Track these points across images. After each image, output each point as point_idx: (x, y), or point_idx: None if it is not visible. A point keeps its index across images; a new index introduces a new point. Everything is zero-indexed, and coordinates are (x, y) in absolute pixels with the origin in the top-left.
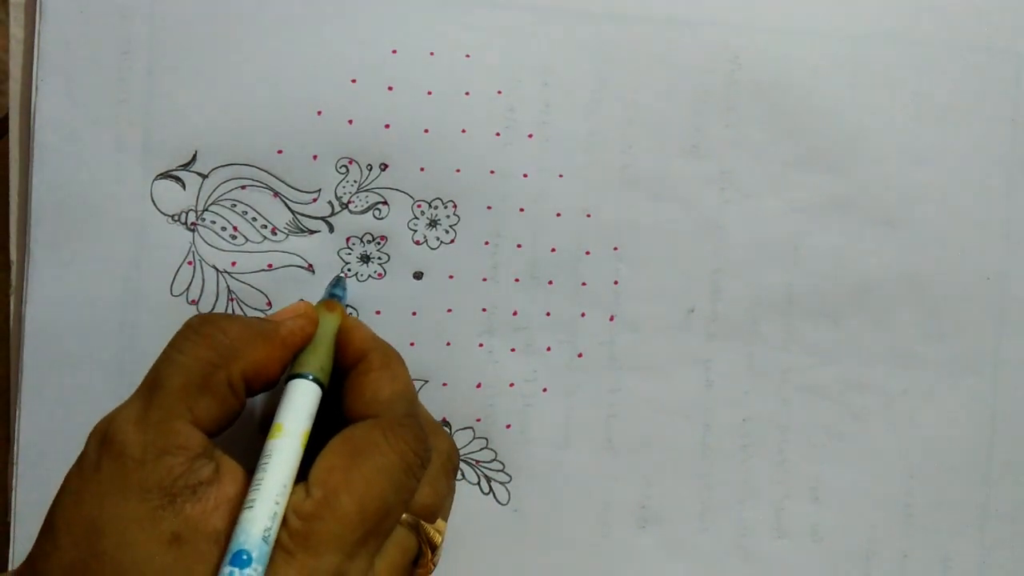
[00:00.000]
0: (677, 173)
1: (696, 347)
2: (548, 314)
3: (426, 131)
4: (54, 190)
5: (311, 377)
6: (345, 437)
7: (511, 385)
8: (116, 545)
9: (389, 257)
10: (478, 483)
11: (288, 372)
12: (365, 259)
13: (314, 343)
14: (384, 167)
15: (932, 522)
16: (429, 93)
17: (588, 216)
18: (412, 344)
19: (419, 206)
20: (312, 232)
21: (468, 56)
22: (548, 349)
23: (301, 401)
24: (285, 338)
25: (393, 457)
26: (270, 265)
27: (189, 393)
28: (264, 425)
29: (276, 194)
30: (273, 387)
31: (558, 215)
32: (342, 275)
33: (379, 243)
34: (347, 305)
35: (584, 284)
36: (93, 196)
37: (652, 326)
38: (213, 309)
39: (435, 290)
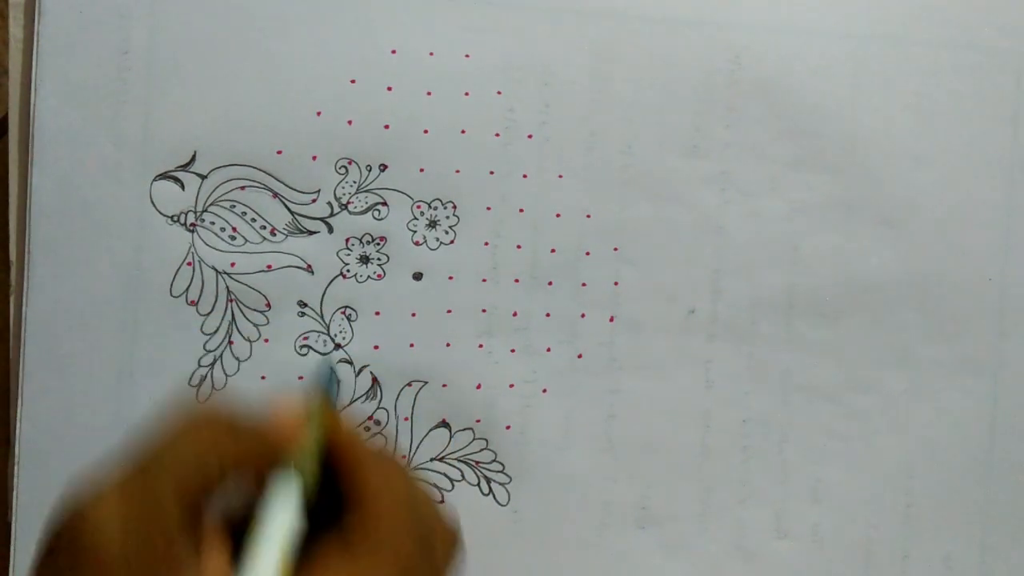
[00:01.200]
0: (677, 173)
1: (696, 347)
2: (548, 315)
3: (426, 131)
4: (53, 190)
5: (295, 482)
6: (340, 544)
7: (511, 386)
8: None
9: (388, 258)
10: (478, 484)
11: (273, 475)
12: (364, 260)
13: (302, 448)
14: (383, 167)
15: (932, 522)
16: (429, 93)
17: (588, 216)
18: (412, 345)
19: (419, 206)
20: (311, 233)
21: (468, 56)
22: (548, 350)
23: (283, 509)
24: (278, 447)
25: (392, 567)
26: (269, 266)
27: (183, 495)
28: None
29: (275, 195)
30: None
31: (558, 215)
32: (333, 367)
33: (378, 244)
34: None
35: (584, 284)
36: (92, 196)
37: (652, 326)
38: (212, 310)
39: (435, 291)
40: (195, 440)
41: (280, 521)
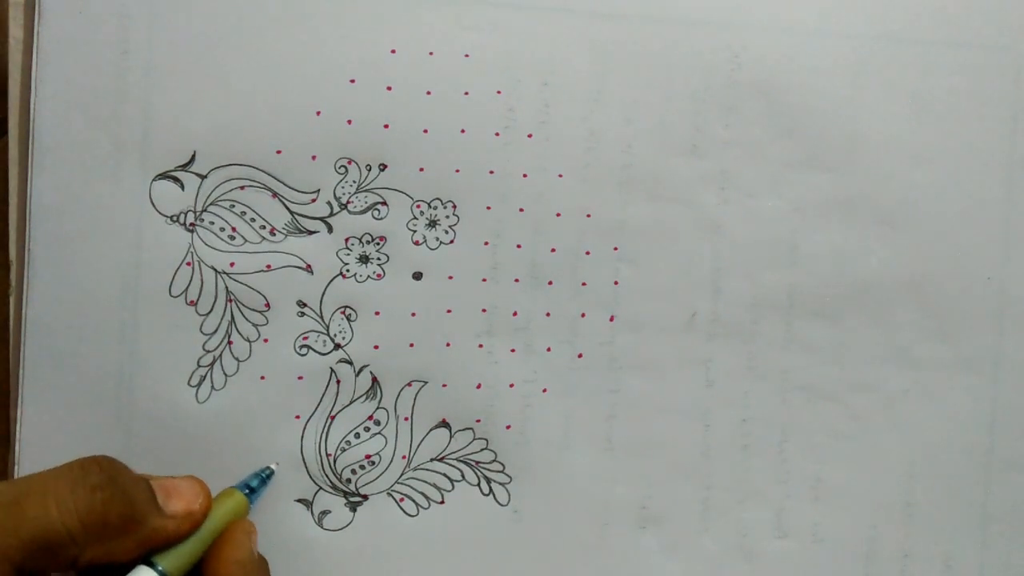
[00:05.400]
0: (677, 173)
1: (696, 347)
2: (548, 314)
3: (425, 131)
4: (53, 190)
5: (159, 569)
6: None
7: (511, 386)
8: None
9: (388, 257)
10: (478, 484)
11: (143, 555)
12: (364, 260)
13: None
14: (383, 167)
15: (932, 522)
16: (428, 93)
17: (588, 216)
18: (412, 344)
19: (418, 206)
20: (311, 233)
21: (468, 56)
22: (548, 349)
23: None
24: (147, 537)
25: None
26: (269, 266)
27: (27, 553)
28: None
29: (275, 194)
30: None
31: (558, 215)
32: (273, 467)
33: (378, 243)
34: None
35: (584, 284)
36: (92, 196)
37: (652, 326)
38: (212, 310)
39: (435, 290)
40: (76, 496)
41: None
